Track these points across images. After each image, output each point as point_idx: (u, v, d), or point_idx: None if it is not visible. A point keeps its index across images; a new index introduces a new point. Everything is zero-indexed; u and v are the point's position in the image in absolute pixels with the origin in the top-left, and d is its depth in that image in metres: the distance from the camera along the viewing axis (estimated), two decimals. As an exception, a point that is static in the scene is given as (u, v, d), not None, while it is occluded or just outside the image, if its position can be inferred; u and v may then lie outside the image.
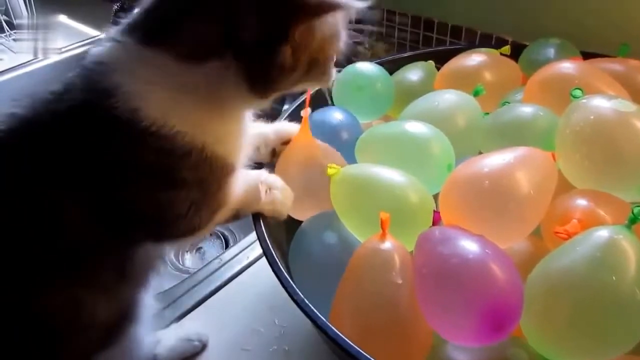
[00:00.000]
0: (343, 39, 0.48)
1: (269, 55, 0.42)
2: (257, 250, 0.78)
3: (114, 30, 0.45)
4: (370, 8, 0.88)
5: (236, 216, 0.51)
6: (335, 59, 0.49)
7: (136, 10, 0.45)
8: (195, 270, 0.78)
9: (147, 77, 0.42)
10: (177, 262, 1.05)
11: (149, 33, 0.43)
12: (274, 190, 0.53)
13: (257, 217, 0.52)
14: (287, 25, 0.42)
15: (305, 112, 0.58)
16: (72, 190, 0.43)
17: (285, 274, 0.46)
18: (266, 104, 0.48)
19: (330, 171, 0.51)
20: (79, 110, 0.42)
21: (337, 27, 0.46)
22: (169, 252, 0.99)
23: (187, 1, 0.42)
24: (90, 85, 0.43)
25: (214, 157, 0.45)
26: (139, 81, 0.42)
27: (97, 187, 0.43)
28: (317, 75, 0.48)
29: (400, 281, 0.42)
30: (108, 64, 0.43)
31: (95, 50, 0.45)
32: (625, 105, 0.46)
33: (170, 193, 0.45)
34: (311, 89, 0.56)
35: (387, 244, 0.44)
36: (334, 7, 0.42)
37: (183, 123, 0.43)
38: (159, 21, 0.43)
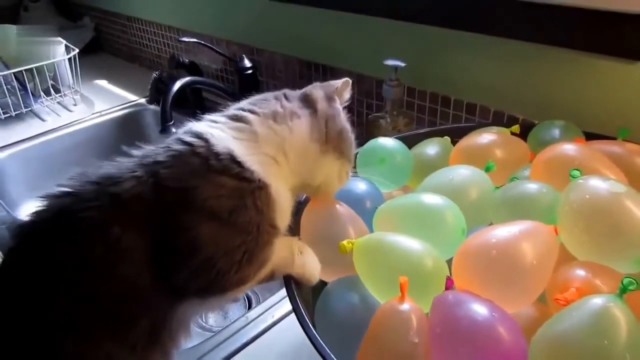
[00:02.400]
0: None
1: (334, 113, 0.62)
2: (282, 309, 0.82)
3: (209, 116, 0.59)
4: (392, 86, 0.98)
5: (272, 276, 0.56)
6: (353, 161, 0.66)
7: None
8: (219, 329, 0.82)
9: (238, 134, 0.55)
10: (201, 321, 1.08)
11: (245, 107, 0.59)
12: (305, 255, 0.58)
13: (287, 277, 0.57)
14: (333, 93, 0.63)
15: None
16: (145, 228, 0.48)
17: (314, 332, 0.50)
18: (327, 167, 0.61)
19: (342, 249, 0.56)
20: (181, 150, 0.51)
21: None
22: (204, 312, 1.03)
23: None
24: (192, 135, 0.53)
25: (273, 205, 0.53)
26: (231, 135, 0.54)
27: (169, 222, 0.48)
28: (352, 149, 0.64)
29: (416, 340, 0.46)
30: (206, 126, 0.55)
31: (194, 123, 0.57)
32: (617, 186, 0.51)
33: (231, 234, 0.50)
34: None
35: (405, 306, 0.48)
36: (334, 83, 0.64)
37: (261, 166, 0.53)
38: (255, 101, 0.60)
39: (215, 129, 0.55)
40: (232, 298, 0.54)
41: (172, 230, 0.49)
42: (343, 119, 0.63)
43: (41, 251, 0.48)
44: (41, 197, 0.50)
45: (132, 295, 0.49)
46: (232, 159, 0.51)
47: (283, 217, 0.56)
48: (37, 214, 0.49)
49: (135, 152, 0.53)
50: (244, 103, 0.61)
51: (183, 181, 0.49)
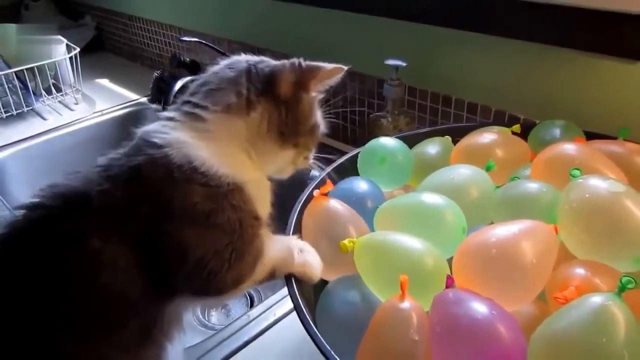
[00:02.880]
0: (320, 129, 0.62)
1: (296, 102, 0.57)
2: (284, 308, 0.83)
3: (166, 113, 0.56)
4: (393, 85, 0.98)
5: (272, 276, 0.56)
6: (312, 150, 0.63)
7: (186, 94, 0.57)
8: (221, 327, 0.82)
9: (197, 135, 0.53)
10: (203, 319, 1.09)
11: (199, 102, 0.55)
12: (305, 253, 0.59)
13: (289, 275, 0.57)
14: (308, 81, 0.58)
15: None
16: (126, 238, 0.48)
17: (315, 329, 0.50)
18: (283, 156, 0.59)
19: (343, 248, 0.56)
20: (141, 163, 0.50)
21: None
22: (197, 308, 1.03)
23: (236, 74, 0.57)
24: (150, 145, 0.51)
25: (250, 200, 0.53)
26: (190, 137, 0.52)
27: (151, 232, 0.49)
28: (311, 138, 0.61)
29: (417, 338, 0.47)
30: (163, 131, 0.53)
31: (150, 126, 0.55)
32: (617, 186, 0.51)
33: (215, 235, 0.50)
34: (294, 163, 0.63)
35: (406, 304, 0.48)
36: (320, 67, 0.58)
37: (227, 166, 0.52)
38: (210, 91, 0.56)
39: (174, 132, 0.53)
40: (231, 298, 0.54)
41: (157, 239, 0.49)
42: (308, 109, 0.58)
43: (22, 264, 0.48)
44: (16, 207, 0.50)
45: (121, 300, 0.49)
46: (195, 169, 0.50)
47: (263, 206, 0.56)
48: (12, 226, 0.49)
49: (100, 160, 0.53)
50: (200, 92, 0.56)
51: (154, 193, 0.49)
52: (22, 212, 0.49)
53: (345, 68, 0.59)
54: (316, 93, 0.60)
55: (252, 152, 0.56)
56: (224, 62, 0.59)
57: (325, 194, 0.65)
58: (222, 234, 0.51)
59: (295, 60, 0.59)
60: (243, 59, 0.59)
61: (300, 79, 0.57)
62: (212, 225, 0.50)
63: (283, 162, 0.60)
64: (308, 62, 0.59)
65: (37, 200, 0.50)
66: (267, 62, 0.59)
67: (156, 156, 0.50)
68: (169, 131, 0.53)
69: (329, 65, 0.59)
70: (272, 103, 0.56)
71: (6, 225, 0.49)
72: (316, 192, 0.65)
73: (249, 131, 0.55)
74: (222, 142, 0.53)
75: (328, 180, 0.66)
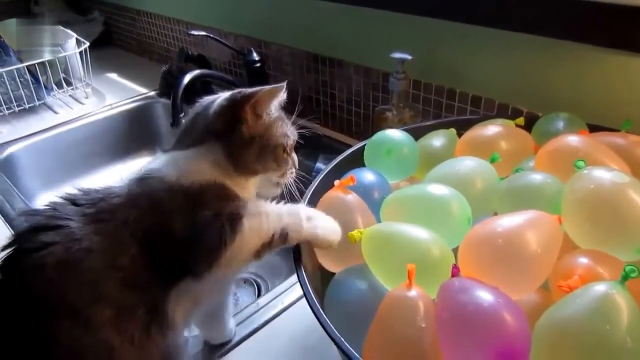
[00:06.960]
0: (290, 137, 0.66)
1: (234, 134, 0.61)
2: (292, 296, 0.85)
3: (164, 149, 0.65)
4: (399, 79, 0.98)
5: (284, 239, 0.58)
6: (286, 160, 0.66)
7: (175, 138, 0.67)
8: (232, 314, 0.85)
9: (178, 160, 0.61)
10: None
11: (177, 143, 0.65)
12: (315, 219, 0.60)
13: (298, 262, 0.58)
14: (239, 111, 0.61)
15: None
16: (137, 236, 0.54)
17: (323, 314, 0.51)
18: (247, 180, 0.64)
19: (352, 239, 0.57)
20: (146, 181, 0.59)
21: (279, 123, 0.65)
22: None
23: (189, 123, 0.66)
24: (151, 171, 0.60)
25: (228, 189, 0.60)
26: (176, 163, 0.61)
27: (157, 227, 0.55)
28: (271, 160, 0.64)
29: (424, 325, 0.48)
30: (159, 162, 0.62)
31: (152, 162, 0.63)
32: (621, 177, 0.52)
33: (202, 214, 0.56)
34: (273, 182, 0.68)
35: (413, 292, 0.49)
36: (256, 93, 0.61)
37: (205, 176, 0.59)
38: (181, 136, 0.66)
39: (167, 159, 0.62)
40: (228, 268, 0.57)
41: (151, 226, 0.55)
42: (250, 138, 0.62)
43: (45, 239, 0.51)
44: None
45: (132, 285, 0.53)
46: (180, 183, 0.58)
47: (244, 192, 0.62)
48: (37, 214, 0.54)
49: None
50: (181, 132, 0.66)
51: (162, 205, 0.57)
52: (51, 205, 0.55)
53: (277, 88, 0.62)
54: (266, 115, 0.63)
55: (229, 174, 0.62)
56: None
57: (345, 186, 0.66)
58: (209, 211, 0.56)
59: (230, 94, 0.64)
60: (205, 100, 0.67)
61: (235, 111, 0.61)
62: (201, 206, 0.57)
63: (254, 187, 0.65)
64: (244, 92, 0.62)
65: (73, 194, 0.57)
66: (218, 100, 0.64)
67: (161, 176, 0.59)
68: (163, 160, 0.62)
69: (260, 91, 0.61)
70: (216, 140, 0.62)
71: (28, 216, 0.53)
72: (337, 182, 0.66)
73: (214, 161, 0.61)
74: (197, 161, 0.61)
75: (352, 175, 0.66)
